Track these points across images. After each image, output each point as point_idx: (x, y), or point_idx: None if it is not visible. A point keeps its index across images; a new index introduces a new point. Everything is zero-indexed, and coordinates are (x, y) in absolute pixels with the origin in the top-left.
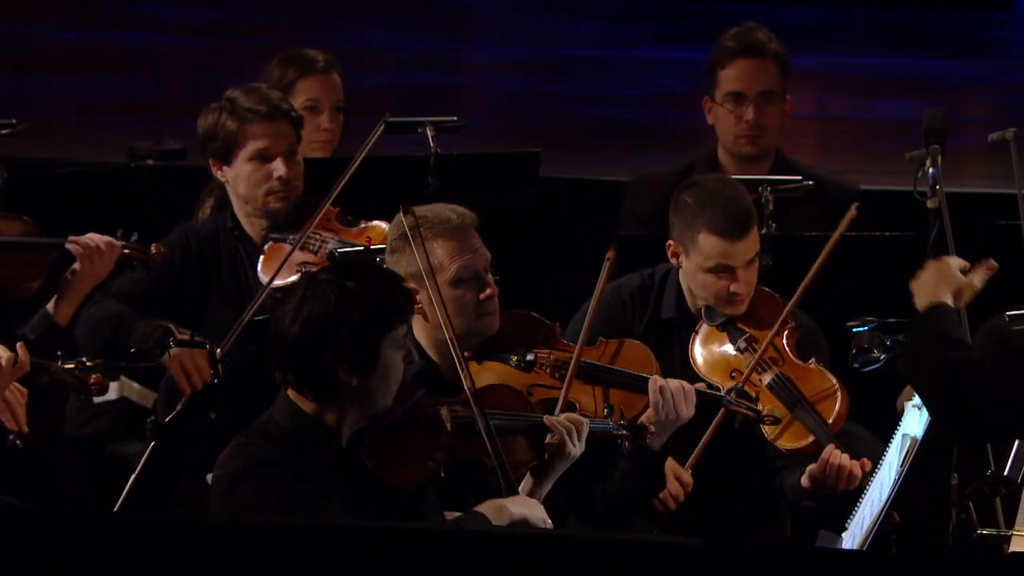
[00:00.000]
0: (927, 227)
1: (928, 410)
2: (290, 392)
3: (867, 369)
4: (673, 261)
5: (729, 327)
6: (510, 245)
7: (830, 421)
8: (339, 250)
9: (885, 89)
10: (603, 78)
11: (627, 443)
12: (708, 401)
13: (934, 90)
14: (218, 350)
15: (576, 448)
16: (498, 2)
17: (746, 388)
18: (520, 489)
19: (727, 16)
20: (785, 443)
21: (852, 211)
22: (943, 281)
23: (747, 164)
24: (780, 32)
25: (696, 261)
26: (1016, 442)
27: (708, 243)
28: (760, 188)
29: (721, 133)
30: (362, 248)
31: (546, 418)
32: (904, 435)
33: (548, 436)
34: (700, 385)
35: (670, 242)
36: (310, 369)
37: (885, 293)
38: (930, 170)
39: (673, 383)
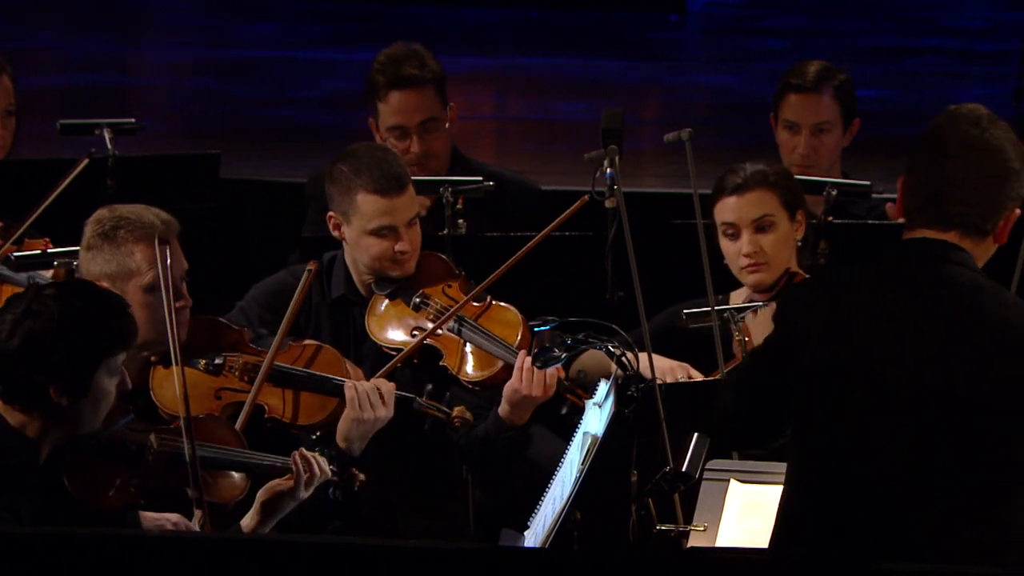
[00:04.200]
0: (606, 227)
1: None
2: None
3: (548, 368)
4: (335, 234)
5: (400, 292)
6: (191, 247)
7: (516, 345)
8: (15, 255)
9: (562, 90)
10: (280, 79)
11: (336, 491)
12: (400, 402)
13: (610, 91)
14: None
15: (306, 493)
16: (172, 2)
17: (431, 342)
18: (243, 524)
19: (405, 18)
20: (476, 374)
21: (584, 199)
22: None
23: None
24: (458, 33)
25: (359, 225)
26: (694, 438)
27: (368, 203)
28: (441, 189)
29: None
30: (40, 253)
31: (298, 453)
32: (585, 433)
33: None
34: (392, 386)
35: (331, 214)
36: (21, 383)
37: (565, 292)
38: (608, 170)
39: (368, 384)
